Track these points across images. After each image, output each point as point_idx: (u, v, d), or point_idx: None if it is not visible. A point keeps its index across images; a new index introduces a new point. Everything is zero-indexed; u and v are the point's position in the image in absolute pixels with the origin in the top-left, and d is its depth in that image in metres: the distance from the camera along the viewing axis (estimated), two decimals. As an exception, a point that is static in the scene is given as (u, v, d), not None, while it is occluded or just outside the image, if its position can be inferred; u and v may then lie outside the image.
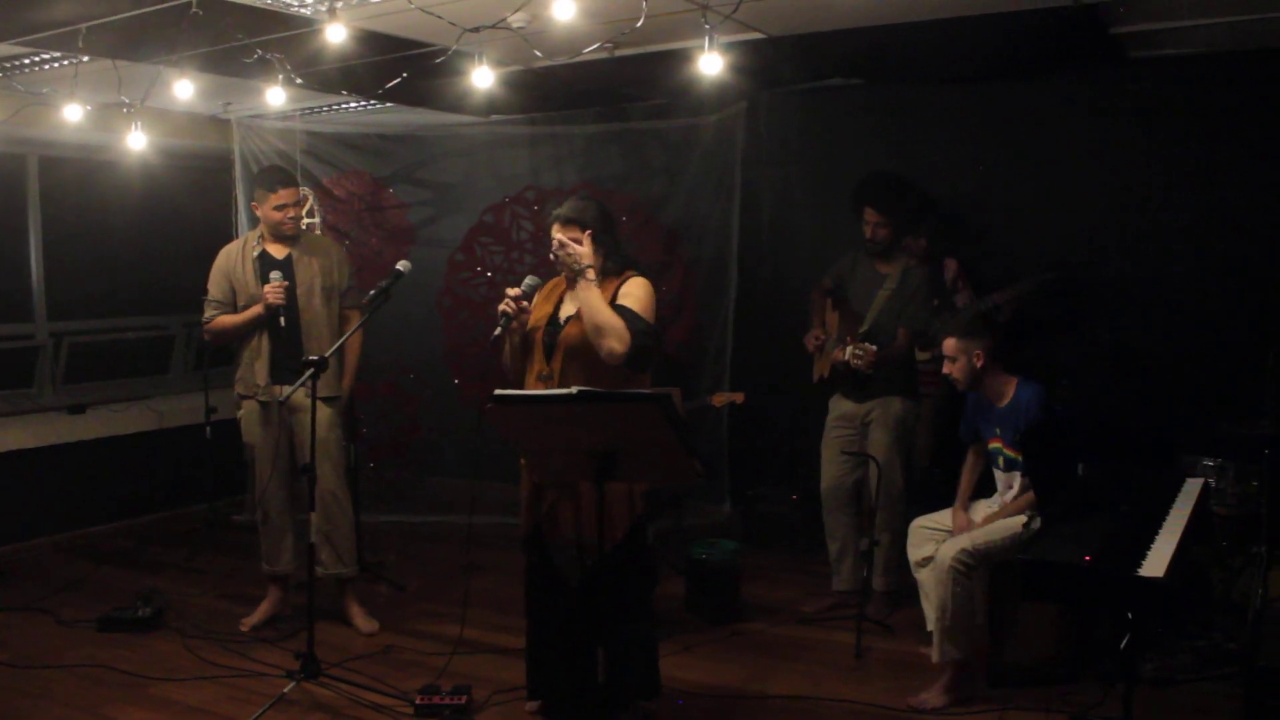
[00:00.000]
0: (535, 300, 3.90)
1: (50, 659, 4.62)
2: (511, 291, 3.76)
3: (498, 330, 3.75)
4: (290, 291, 4.85)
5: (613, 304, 3.64)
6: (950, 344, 4.38)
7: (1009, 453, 4.37)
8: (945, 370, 4.44)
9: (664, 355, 6.05)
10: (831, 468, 5.15)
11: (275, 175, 5.00)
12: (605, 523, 3.47)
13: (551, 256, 3.75)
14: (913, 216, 5.10)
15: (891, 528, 4.94)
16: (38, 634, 4.95)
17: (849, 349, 4.79)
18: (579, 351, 3.67)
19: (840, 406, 5.13)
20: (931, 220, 5.52)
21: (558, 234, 3.71)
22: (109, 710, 4.13)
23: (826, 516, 5.19)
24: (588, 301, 3.59)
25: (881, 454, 4.91)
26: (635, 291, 3.70)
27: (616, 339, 3.53)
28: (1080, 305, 5.66)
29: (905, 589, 4.83)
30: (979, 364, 4.35)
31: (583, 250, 3.66)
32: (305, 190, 6.93)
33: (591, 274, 3.63)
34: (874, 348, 4.75)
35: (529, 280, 3.86)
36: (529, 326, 3.82)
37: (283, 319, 4.78)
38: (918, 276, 5.02)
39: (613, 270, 3.76)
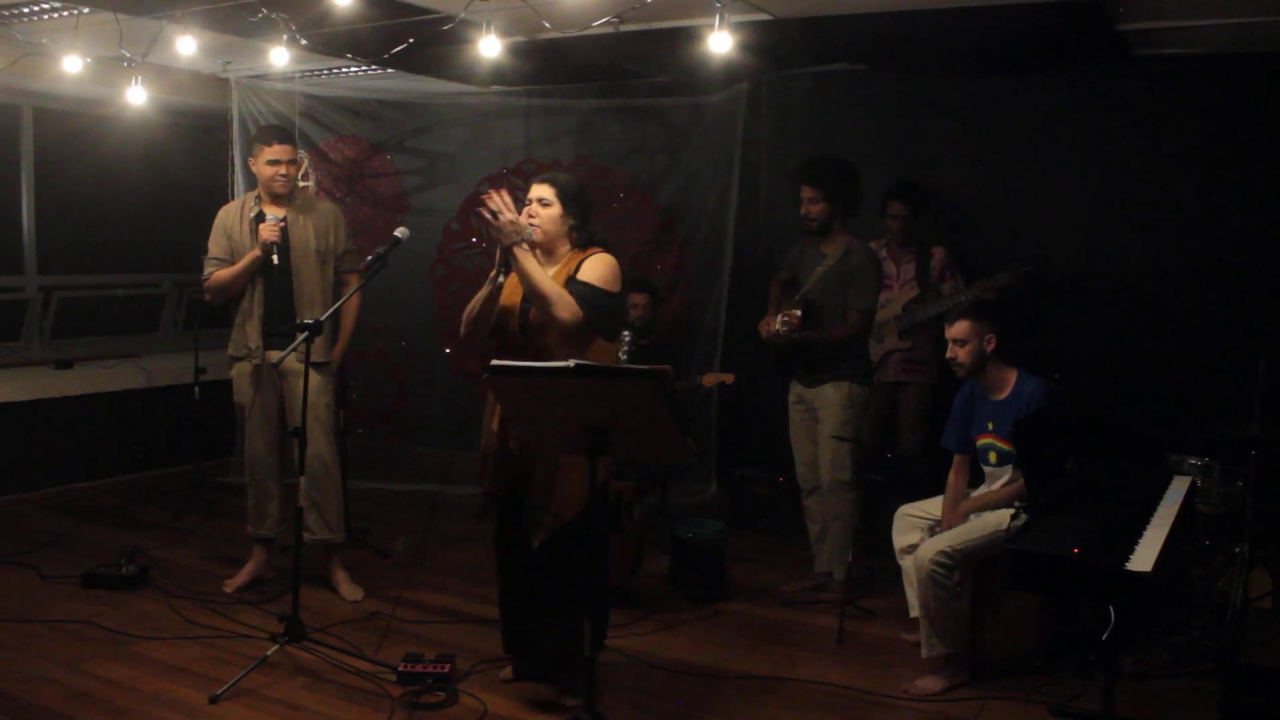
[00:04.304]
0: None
1: (32, 613, 4.61)
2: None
3: (525, 237, 3.60)
4: (284, 253, 4.83)
5: (571, 279, 3.68)
6: (963, 326, 4.24)
7: (1001, 445, 4.29)
8: (950, 354, 4.30)
9: (657, 333, 6.04)
10: (801, 451, 5.15)
11: (273, 131, 4.99)
12: (568, 495, 3.65)
13: (525, 216, 3.70)
14: (846, 194, 4.95)
15: (840, 514, 4.94)
16: (19, 588, 4.94)
17: (779, 318, 4.79)
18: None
19: (795, 390, 5.11)
20: (853, 201, 5.06)
21: (536, 190, 3.76)
22: (90, 666, 4.12)
23: (804, 499, 5.20)
24: (524, 271, 3.57)
25: (829, 438, 4.91)
26: (594, 267, 3.74)
27: (564, 308, 3.57)
28: (1062, 299, 5.67)
29: (886, 574, 4.85)
30: (990, 348, 4.23)
31: (549, 214, 3.72)
32: (302, 153, 6.89)
33: (526, 246, 3.61)
34: (798, 313, 4.74)
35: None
36: (501, 304, 3.79)
37: (275, 257, 4.74)
38: (859, 254, 4.90)
39: (578, 244, 3.81)
